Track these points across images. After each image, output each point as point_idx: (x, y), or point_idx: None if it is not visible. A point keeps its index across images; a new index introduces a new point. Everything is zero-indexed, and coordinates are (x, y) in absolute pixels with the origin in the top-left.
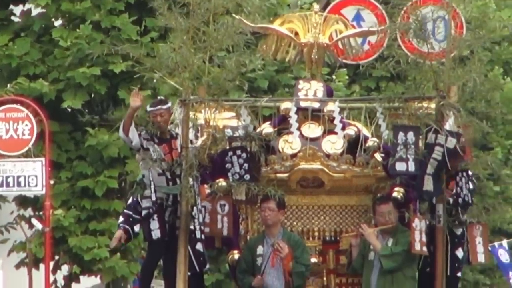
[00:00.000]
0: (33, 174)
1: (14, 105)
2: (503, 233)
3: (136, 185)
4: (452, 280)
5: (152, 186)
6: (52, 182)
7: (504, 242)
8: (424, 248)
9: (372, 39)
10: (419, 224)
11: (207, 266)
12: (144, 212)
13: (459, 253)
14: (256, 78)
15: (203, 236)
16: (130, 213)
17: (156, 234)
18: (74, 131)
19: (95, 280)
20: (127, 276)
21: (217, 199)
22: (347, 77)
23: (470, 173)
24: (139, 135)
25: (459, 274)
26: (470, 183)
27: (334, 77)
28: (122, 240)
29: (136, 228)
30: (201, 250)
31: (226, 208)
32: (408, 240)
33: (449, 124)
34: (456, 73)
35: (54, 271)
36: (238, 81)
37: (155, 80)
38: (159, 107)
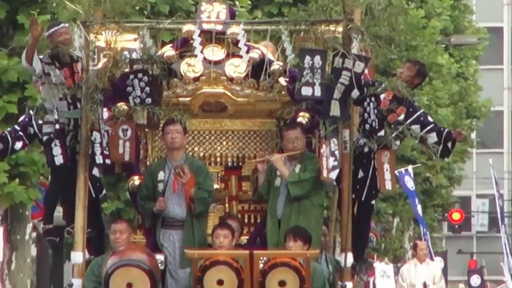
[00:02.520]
0: None
1: None
2: (406, 160)
3: (37, 110)
4: (365, 207)
5: (55, 111)
6: None
7: (410, 168)
8: (331, 175)
9: None
10: (326, 150)
11: (104, 192)
12: (45, 138)
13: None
14: (156, 3)
15: (107, 161)
16: (18, 129)
17: (59, 160)
18: None
19: None
20: (26, 202)
21: (119, 124)
22: (249, 2)
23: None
24: (41, 60)
25: (373, 202)
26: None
27: (236, 2)
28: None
29: (18, 145)
30: (97, 175)
31: (129, 132)
32: (317, 166)
33: (356, 48)
34: None
35: None
36: (139, 3)
37: (54, 4)
38: (60, 26)
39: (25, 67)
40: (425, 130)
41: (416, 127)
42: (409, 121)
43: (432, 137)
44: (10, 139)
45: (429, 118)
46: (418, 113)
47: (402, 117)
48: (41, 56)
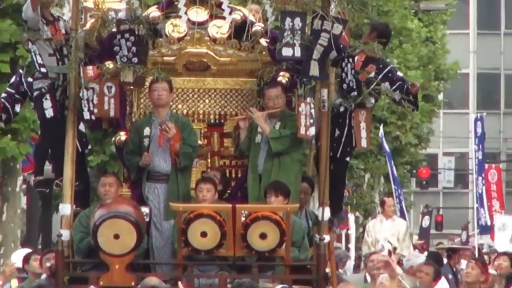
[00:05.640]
0: None
1: None
2: (377, 120)
3: (27, 68)
4: (340, 163)
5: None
6: None
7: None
8: (309, 132)
9: None
10: (304, 109)
11: (89, 146)
12: (36, 93)
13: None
14: None
15: (93, 117)
16: (13, 91)
17: (49, 113)
18: None
19: None
20: (17, 156)
21: (104, 81)
22: None
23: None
24: None
25: (348, 158)
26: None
27: None
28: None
29: (17, 107)
30: (83, 130)
31: (113, 90)
32: (296, 124)
33: (334, 11)
34: None
35: None
36: None
37: None
38: None
39: (30, 16)
40: (392, 88)
41: (386, 85)
42: (380, 76)
43: (397, 95)
44: (9, 106)
45: (398, 73)
46: (388, 68)
47: (372, 74)
48: None
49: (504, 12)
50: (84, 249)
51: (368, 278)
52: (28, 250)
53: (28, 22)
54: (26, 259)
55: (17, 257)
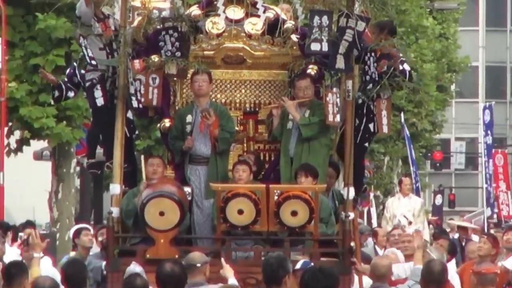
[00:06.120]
0: None
1: None
2: (396, 108)
3: (80, 61)
4: (360, 148)
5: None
6: (6, 58)
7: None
8: (336, 119)
9: None
10: (331, 98)
11: (136, 132)
12: (88, 84)
13: (371, 125)
14: None
15: (140, 105)
16: (66, 80)
17: (100, 101)
18: (27, 14)
19: (44, 144)
20: (71, 141)
21: (150, 73)
22: None
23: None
24: None
25: (366, 144)
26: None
27: None
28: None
29: (70, 93)
30: (131, 117)
31: (157, 81)
32: (323, 112)
33: (358, 10)
34: None
35: (8, 136)
36: None
37: None
38: None
39: (83, 11)
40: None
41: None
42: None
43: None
44: (64, 88)
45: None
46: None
47: (385, 67)
48: None
49: (511, 10)
50: (131, 210)
51: (379, 251)
52: (83, 226)
53: (82, 18)
54: (77, 234)
55: (72, 229)
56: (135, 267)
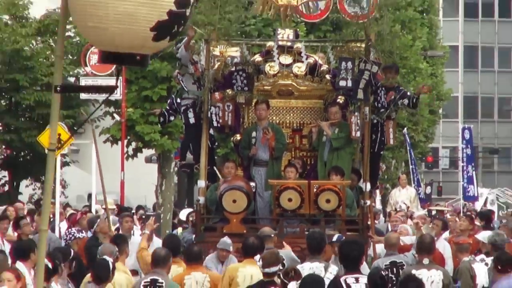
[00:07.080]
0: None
1: None
2: (399, 125)
3: (176, 93)
4: (377, 155)
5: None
6: (126, 91)
7: (405, 131)
8: (357, 135)
9: (321, 4)
10: (354, 120)
11: (216, 143)
12: (183, 108)
13: (384, 139)
14: (249, 30)
15: (219, 125)
16: (168, 108)
17: (192, 120)
18: None
19: (152, 151)
20: (171, 149)
21: (225, 102)
22: (305, 29)
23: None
24: None
25: (382, 152)
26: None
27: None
28: (159, 115)
29: (171, 118)
30: (212, 133)
31: (231, 107)
32: (348, 129)
33: (372, 57)
34: (374, 26)
35: (127, 146)
36: (239, 29)
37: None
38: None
39: (183, 55)
40: (405, 98)
41: (403, 101)
42: (398, 96)
43: (405, 101)
44: (167, 114)
45: (408, 93)
46: (403, 91)
47: (392, 97)
48: None
49: (481, 57)
50: (213, 199)
51: (390, 227)
52: (189, 210)
53: (182, 60)
54: (188, 215)
55: (183, 213)
56: (226, 239)
